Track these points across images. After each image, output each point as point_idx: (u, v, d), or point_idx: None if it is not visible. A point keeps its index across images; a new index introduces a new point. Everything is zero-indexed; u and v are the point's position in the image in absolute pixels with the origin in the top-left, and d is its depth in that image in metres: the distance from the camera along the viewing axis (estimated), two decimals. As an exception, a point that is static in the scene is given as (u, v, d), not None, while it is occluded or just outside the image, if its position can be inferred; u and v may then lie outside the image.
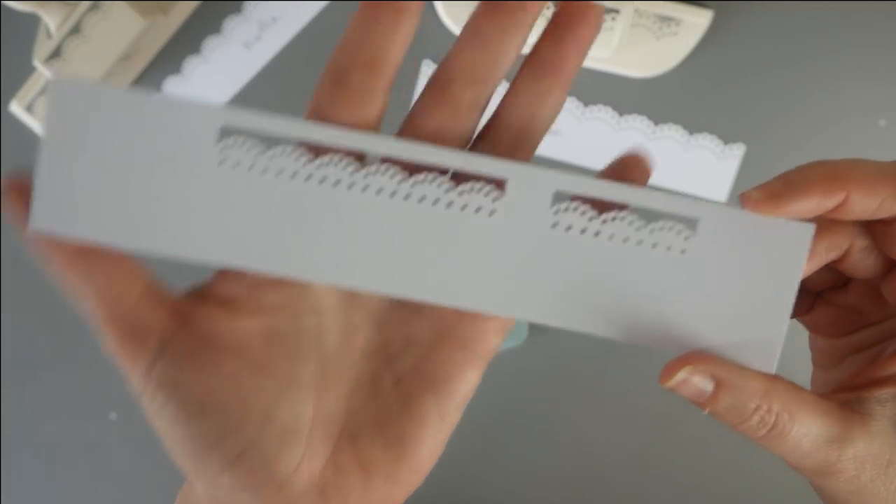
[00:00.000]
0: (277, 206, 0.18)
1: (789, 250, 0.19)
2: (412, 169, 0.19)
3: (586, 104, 0.50)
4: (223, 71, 0.52)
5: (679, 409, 0.54)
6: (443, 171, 0.19)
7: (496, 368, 0.56)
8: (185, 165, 0.18)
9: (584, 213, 0.19)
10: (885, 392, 0.20)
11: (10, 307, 0.57)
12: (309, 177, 0.18)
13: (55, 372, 0.57)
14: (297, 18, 0.51)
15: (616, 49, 0.46)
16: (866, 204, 0.19)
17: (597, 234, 0.19)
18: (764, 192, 0.20)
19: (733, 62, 0.49)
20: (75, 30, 0.47)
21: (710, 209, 0.19)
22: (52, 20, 0.48)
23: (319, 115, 0.20)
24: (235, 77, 0.52)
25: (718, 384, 0.20)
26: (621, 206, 0.19)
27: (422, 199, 0.19)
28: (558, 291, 0.19)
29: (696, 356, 0.20)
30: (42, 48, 0.48)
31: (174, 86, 0.52)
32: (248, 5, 0.51)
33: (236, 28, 0.51)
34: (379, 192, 0.19)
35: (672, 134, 0.50)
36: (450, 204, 0.19)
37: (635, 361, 0.55)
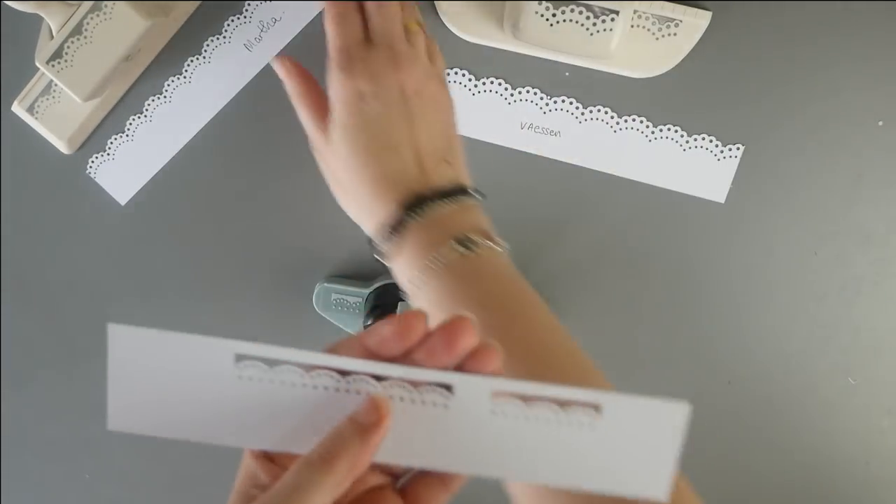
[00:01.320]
0: (281, 404, 0.26)
1: (670, 422, 0.26)
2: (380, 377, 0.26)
3: (585, 105, 0.51)
4: (224, 72, 0.52)
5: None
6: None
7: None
8: (212, 381, 0.26)
9: (516, 404, 0.25)
10: None
11: (10, 307, 0.57)
12: (304, 385, 0.26)
13: (55, 372, 0.57)
14: (297, 19, 0.51)
15: (615, 49, 0.47)
16: None
17: (526, 417, 0.25)
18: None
19: (732, 63, 0.50)
20: (77, 31, 0.47)
21: (610, 399, 0.25)
22: (53, 21, 0.48)
23: None
24: (236, 78, 0.52)
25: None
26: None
27: (392, 396, 0.25)
28: (500, 455, 0.26)
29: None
30: (44, 49, 0.48)
31: (177, 87, 0.52)
32: (248, 6, 0.51)
33: (237, 29, 0.51)
34: (359, 392, 0.25)
35: (671, 134, 0.51)
36: (413, 400, 0.25)
37: (635, 361, 0.55)
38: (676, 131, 0.51)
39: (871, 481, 0.54)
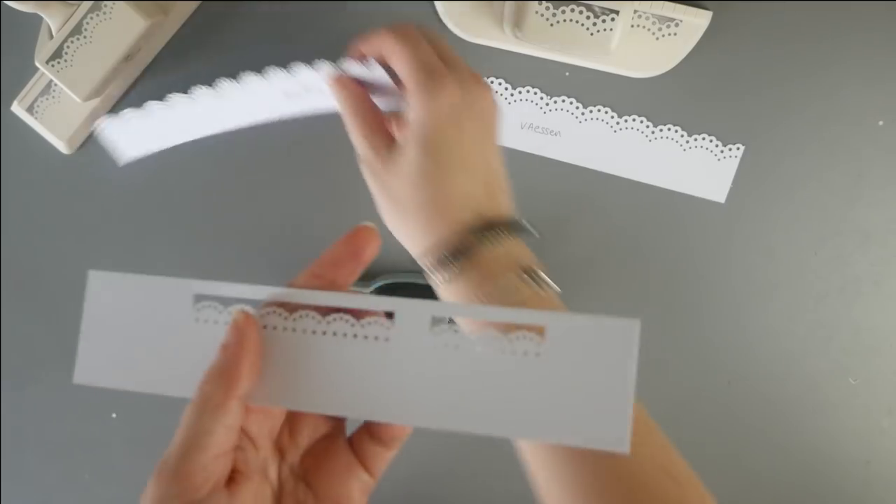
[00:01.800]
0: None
1: (622, 342, 0.23)
2: (323, 311, 0.25)
3: (585, 105, 0.50)
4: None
5: (677, 411, 0.54)
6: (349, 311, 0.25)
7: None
8: (171, 324, 0.25)
9: (456, 331, 0.23)
10: None
11: (10, 307, 0.57)
12: (276, 327, 0.25)
13: (55, 372, 0.57)
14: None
15: (615, 49, 0.47)
16: None
17: (469, 346, 0.23)
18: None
19: (732, 62, 0.50)
20: (77, 30, 0.47)
21: (554, 318, 0.23)
22: (53, 21, 0.48)
23: None
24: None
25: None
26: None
27: (335, 333, 0.24)
28: (441, 399, 0.24)
29: None
30: (43, 49, 0.48)
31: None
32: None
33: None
34: (304, 331, 0.24)
35: (671, 134, 0.51)
36: (356, 335, 0.24)
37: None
38: (676, 131, 0.51)
39: (872, 481, 0.54)
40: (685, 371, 0.54)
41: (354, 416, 0.24)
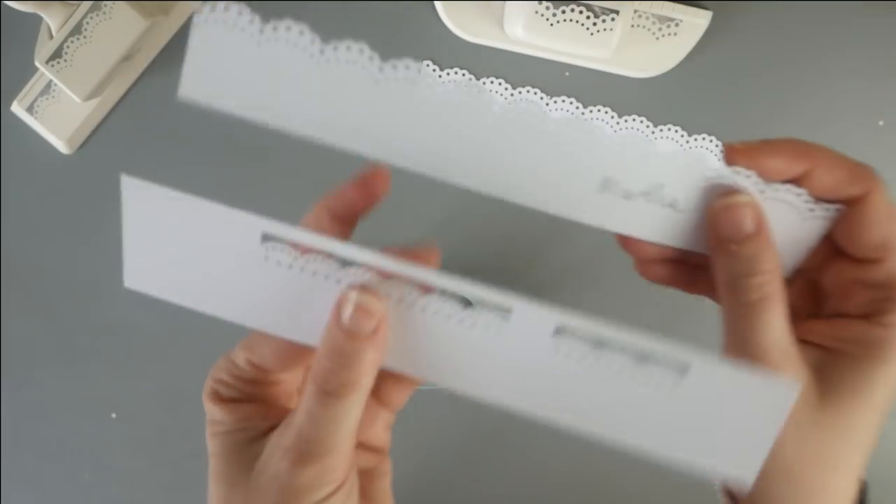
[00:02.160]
0: (310, 294, 0.23)
1: (773, 405, 0.20)
2: (424, 288, 0.22)
3: (585, 105, 0.50)
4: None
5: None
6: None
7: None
8: (236, 256, 0.23)
9: (580, 348, 0.21)
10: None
11: (10, 307, 0.57)
12: (339, 281, 0.22)
13: (55, 372, 0.57)
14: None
15: (615, 49, 0.46)
16: (825, 180, 0.22)
17: (592, 365, 0.21)
18: (744, 144, 0.22)
19: (733, 62, 0.49)
20: (76, 30, 0.47)
21: (704, 360, 0.20)
22: (53, 21, 0.48)
23: None
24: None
25: (760, 228, 0.21)
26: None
27: (437, 312, 0.22)
28: (552, 393, 0.22)
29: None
30: (43, 49, 0.48)
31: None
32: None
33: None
34: (401, 301, 0.22)
35: (671, 134, 0.51)
36: (461, 321, 0.22)
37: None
38: (676, 131, 0.51)
39: (872, 481, 0.54)
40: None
41: (454, 389, 0.23)
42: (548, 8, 0.45)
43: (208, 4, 0.22)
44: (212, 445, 0.24)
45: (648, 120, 0.50)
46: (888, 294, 0.21)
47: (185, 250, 0.23)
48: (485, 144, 0.22)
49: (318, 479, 0.21)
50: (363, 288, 0.22)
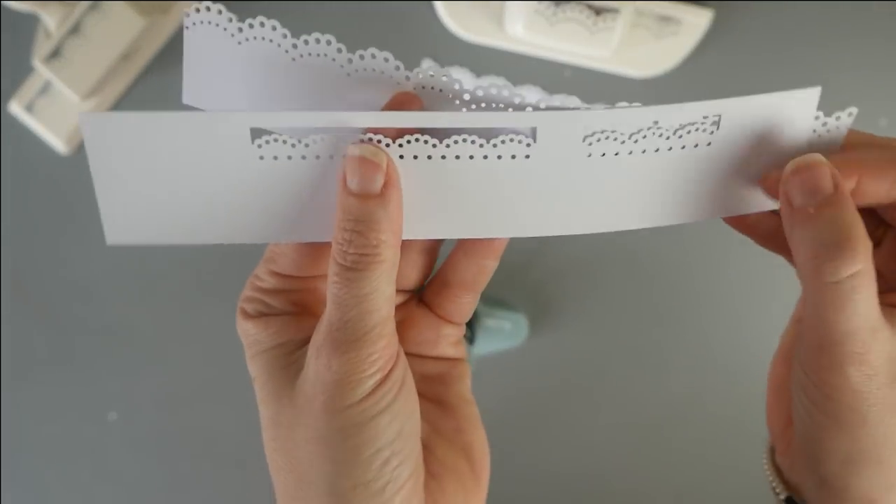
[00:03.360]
0: (316, 184, 0.21)
1: (800, 110, 0.21)
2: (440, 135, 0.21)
3: (586, 104, 0.50)
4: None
5: (677, 410, 0.54)
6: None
7: (496, 368, 0.57)
8: (227, 166, 0.21)
9: (615, 138, 0.21)
10: None
11: (10, 307, 0.57)
12: (343, 155, 0.20)
13: (55, 372, 0.57)
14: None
15: (616, 49, 0.46)
16: (877, 188, 0.20)
17: (630, 153, 0.21)
18: (778, 174, 0.21)
19: (733, 62, 0.49)
20: (75, 29, 0.47)
21: (729, 104, 0.20)
22: (51, 20, 0.48)
23: None
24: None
25: (839, 189, 0.19)
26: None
27: (458, 156, 0.21)
28: (604, 204, 0.21)
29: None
30: (41, 48, 0.48)
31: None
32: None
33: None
34: (416, 157, 0.20)
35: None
36: (485, 156, 0.21)
37: (635, 361, 0.55)
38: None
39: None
40: (685, 371, 0.54)
41: (498, 234, 0.21)
42: (548, 7, 0.45)
43: (193, 6, 0.21)
44: (253, 369, 0.22)
45: (649, 119, 0.50)
46: None
47: (167, 180, 0.20)
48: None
49: (359, 367, 0.19)
50: (361, 142, 0.20)
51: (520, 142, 0.21)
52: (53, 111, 0.52)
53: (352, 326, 0.19)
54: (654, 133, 0.21)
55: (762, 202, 0.22)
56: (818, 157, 0.20)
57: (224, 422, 0.56)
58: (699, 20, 0.47)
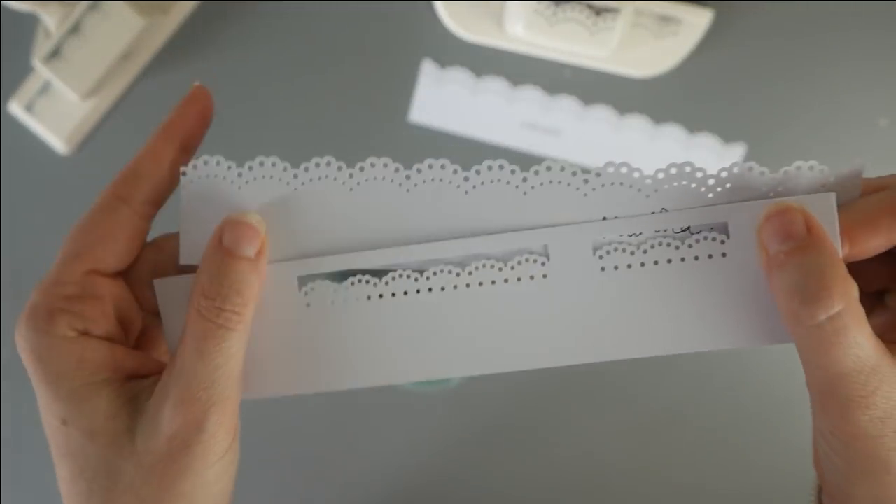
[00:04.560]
0: (365, 326, 0.21)
1: (820, 217, 0.20)
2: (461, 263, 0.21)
3: (587, 104, 0.50)
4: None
5: (677, 411, 0.54)
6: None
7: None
8: (282, 313, 0.21)
9: (624, 249, 0.20)
10: None
11: (11, 307, 0.56)
12: (381, 296, 0.21)
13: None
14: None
15: (616, 49, 0.46)
16: (874, 241, 0.19)
17: (642, 264, 0.20)
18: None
19: (733, 62, 0.49)
20: (74, 29, 0.47)
21: (735, 209, 0.20)
22: (51, 20, 0.48)
23: None
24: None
25: (812, 231, 0.19)
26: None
27: (481, 283, 0.21)
28: (620, 327, 0.21)
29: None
30: (41, 48, 0.48)
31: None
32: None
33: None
34: (443, 289, 0.21)
35: (672, 133, 0.50)
36: (506, 280, 0.21)
37: (634, 364, 0.55)
38: (678, 130, 0.50)
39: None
40: (685, 371, 0.54)
41: (519, 368, 0.21)
42: (548, 7, 0.45)
43: (191, 163, 0.21)
44: (70, 407, 0.19)
45: (649, 119, 0.50)
46: None
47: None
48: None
49: (224, 426, 0.19)
50: (242, 211, 0.20)
51: (535, 261, 0.21)
52: (53, 111, 0.52)
53: (220, 385, 0.19)
54: (661, 242, 0.20)
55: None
56: (790, 202, 0.19)
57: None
58: (699, 20, 0.47)
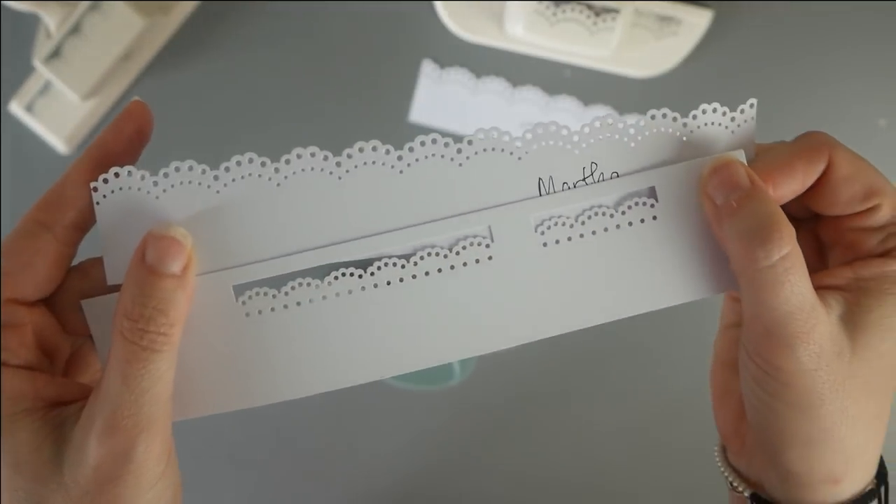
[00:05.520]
0: (309, 331, 0.20)
1: None
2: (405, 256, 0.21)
3: (586, 104, 0.50)
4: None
5: (676, 410, 0.54)
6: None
7: (495, 369, 0.57)
8: (218, 327, 0.20)
9: (563, 223, 0.21)
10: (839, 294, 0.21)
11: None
12: (325, 297, 0.20)
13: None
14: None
15: (616, 49, 0.46)
16: (791, 183, 0.21)
17: (581, 235, 0.21)
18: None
19: (733, 62, 0.49)
20: (75, 29, 0.47)
21: (660, 174, 0.21)
22: (51, 20, 0.48)
23: None
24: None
25: (754, 184, 0.20)
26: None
27: (427, 272, 0.20)
28: (569, 298, 0.21)
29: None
30: (42, 48, 0.48)
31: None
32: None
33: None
34: (389, 283, 0.20)
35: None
36: (452, 266, 0.20)
37: (633, 361, 0.55)
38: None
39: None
40: (686, 371, 0.54)
41: (470, 354, 0.21)
42: (548, 7, 0.45)
43: (101, 177, 0.20)
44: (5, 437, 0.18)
45: (649, 119, 0.50)
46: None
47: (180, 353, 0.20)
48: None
49: (153, 453, 0.18)
50: (164, 222, 0.19)
51: (479, 244, 0.20)
52: (53, 111, 0.52)
53: (147, 410, 0.18)
54: (596, 212, 0.21)
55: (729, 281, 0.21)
56: (731, 155, 0.21)
57: (224, 421, 0.56)
58: (699, 20, 0.47)
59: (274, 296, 0.20)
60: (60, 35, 0.47)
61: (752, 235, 0.19)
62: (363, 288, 0.20)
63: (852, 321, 0.20)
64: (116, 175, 0.20)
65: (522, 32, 0.47)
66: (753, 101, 0.22)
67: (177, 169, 0.20)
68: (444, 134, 0.20)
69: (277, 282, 0.20)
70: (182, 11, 0.51)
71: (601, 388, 0.54)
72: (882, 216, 0.21)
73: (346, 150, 0.20)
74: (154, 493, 0.19)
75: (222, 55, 0.52)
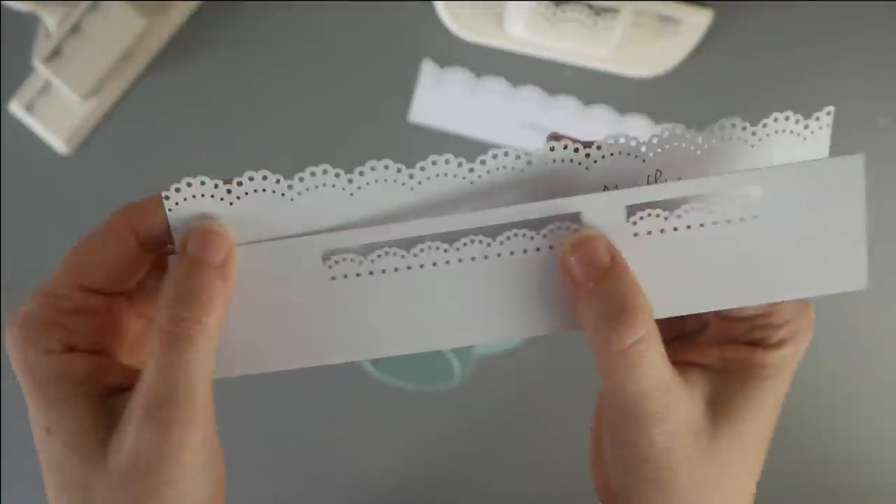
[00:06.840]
0: (388, 299, 0.21)
1: (847, 181, 0.21)
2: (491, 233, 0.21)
3: (586, 104, 0.50)
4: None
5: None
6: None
7: (496, 369, 0.57)
8: (301, 285, 0.21)
9: (657, 215, 0.20)
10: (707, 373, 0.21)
11: (10, 307, 0.57)
12: (409, 267, 0.21)
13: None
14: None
15: (616, 49, 0.46)
16: None
17: (675, 228, 0.20)
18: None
19: (733, 62, 0.49)
20: (75, 29, 0.47)
21: (768, 174, 0.21)
22: (51, 20, 0.48)
23: None
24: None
25: (615, 260, 0.20)
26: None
27: (512, 252, 0.21)
28: (663, 288, 0.21)
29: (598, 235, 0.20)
30: (41, 48, 0.48)
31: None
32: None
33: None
34: (473, 259, 0.21)
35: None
36: (538, 248, 0.21)
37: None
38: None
39: (873, 482, 0.54)
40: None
41: (546, 333, 0.21)
42: (548, 7, 0.45)
43: (172, 186, 0.21)
44: (51, 416, 0.19)
45: (649, 119, 0.50)
46: (763, 322, 0.21)
47: (259, 310, 0.21)
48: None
49: (188, 443, 0.18)
50: (207, 216, 0.20)
51: (567, 229, 0.20)
52: (53, 111, 0.52)
53: (182, 400, 0.18)
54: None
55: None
56: (594, 231, 0.20)
57: (224, 421, 0.56)
58: (699, 20, 0.47)
59: (361, 262, 0.21)
60: (60, 35, 0.47)
61: (606, 318, 0.19)
62: (447, 262, 0.21)
63: (715, 401, 0.21)
64: (189, 185, 0.21)
65: (522, 32, 0.47)
66: (830, 108, 0.21)
67: (250, 178, 0.21)
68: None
69: (365, 249, 0.21)
70: (182, 11, 0.51)
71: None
72: (747, 310, 0.21)
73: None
74: (193, 484, 0.19)
75: (222, 55, 0.52)
